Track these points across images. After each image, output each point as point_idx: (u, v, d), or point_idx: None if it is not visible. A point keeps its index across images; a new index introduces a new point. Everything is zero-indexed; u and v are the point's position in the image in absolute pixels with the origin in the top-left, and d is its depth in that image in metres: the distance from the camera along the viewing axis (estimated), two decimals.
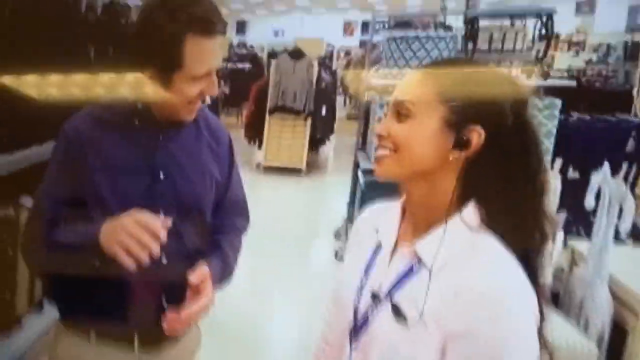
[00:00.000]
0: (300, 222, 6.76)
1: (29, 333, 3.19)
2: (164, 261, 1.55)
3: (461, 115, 1.10)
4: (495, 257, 1.08)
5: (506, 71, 1.23)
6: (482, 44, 4.85)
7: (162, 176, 1.59)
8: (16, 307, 3.14)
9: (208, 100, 1.63)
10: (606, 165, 2.76)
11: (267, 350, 3.89)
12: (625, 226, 2.63)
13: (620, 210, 2.66)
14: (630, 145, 3.59)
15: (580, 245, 3.00)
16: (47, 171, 1.63)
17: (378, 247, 1.25)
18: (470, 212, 1.12)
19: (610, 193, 2.69)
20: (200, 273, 1.50)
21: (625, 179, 3.29)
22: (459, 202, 1.13)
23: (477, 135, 1.10)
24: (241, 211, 1.85)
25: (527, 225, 1.12)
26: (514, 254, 1.09)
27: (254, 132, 9.07)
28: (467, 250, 1.10)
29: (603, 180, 2.73)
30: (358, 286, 1.24)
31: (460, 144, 1.10)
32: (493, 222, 1.11)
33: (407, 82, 1.17)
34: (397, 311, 1.13)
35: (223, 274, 1.67)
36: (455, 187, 1.13)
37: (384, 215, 1.29)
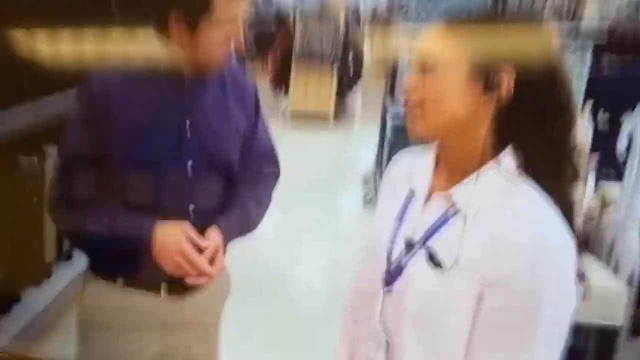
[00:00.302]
0: (328, 168, 6.85)
1: (58, 282, 3.32)
2: (192, 207, 1.61)
3: (488, 62, 1.09)
4: (533, 204, 1.08)
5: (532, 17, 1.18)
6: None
7: (189, 130, 1.59)
8: (45, 256, 3.24)
9: (233, 46, 1.60)
10: (638, 108, 2.78)
11: (296, 297, 3.98)
12: None
13: None
14: None
15: (611, 188, 3.04)
16: (70, 126, 1.62)
17: (411, 194, 1.24)
18: (507, 157, 1.11)
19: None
20: (214, 240, 1.55)
21: None
22: (494, 149, 1.12)
23: (506, 78, 1.08)
24: (269, 159, 1.85)
25: (562, 167, 1.11)
26: (550, 197, 1.09)
27: (280, 79, 9.10)
28: (504, 197, 1.09)
29: (635, 123, 2.76)
30: (391, 233, 1.24)
31: (491, 87, 1.08)
32: (529, 166, 1.10)
33: (431, 34, 1.15)
34: (432, 258, 1.13)
35: (242, 228, 1.70)
36: (490, 134, 1.11)
37: (417, 162, 1.27)
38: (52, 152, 3.10)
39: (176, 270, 1.51)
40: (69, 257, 3.51)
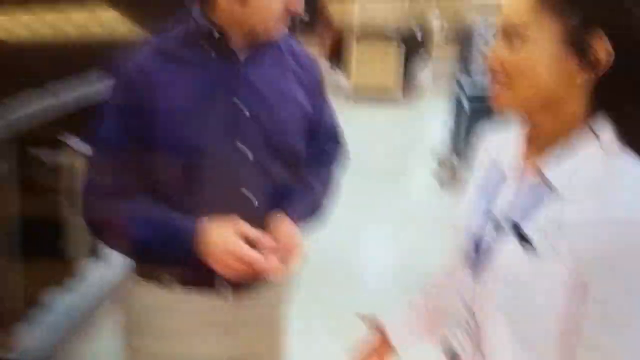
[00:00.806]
0: (400, 150, 6.83)
1: (91, 283, 3.13)
2: (255, 203, 1.49)
3: (583, 30, 1.01)
4: (635, 178, 1.01)
5: None
6: None
7: (246, 113, 1.46)
8: (74, 256, 3.06)
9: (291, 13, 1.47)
10: None
11: (367, 284, 3.94)
12: None
13: None
14: None
15: None
16: (105, 119, 1.46)
17: (500, 175, 1.20)
18: (605, 130, 1.04)
19: None
20: (284, 230, 1.45)
21: None
22: (587, 118, 1.06)
23: (605, 52, 1.00)
24: (334, 139, 1.75)
25: None
26: None
27: (338, 58, 8.98)
28: (605, 173, 1.02)
29: None
30: (481, 215, 1.20)
31: (588, 64, 1.01)
32: (631, 136, 1.04)
33: (513, 2, 1.07)
34: (524, 240, 1.08)
35: (311, 214, 1.61)
36: (585, 106, 1.05)
37: (505, 140, 1.23)
38: (70, 143, 2.93)
39: (233, 274, 1.39)
40: (97, 255, 3.28)
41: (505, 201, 1.16)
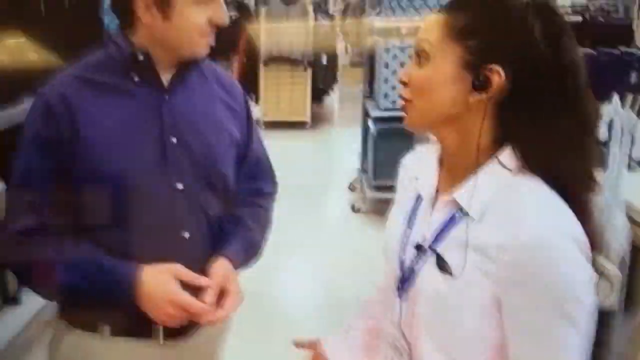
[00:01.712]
0: (311, 176, 6.90)
1: (5, 331, 2.97)
2: (186, 236, 1.47)
3: (478, 55, 1.10)
4: (539, 201, 1.09)
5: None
6: None
7: (173, 141, 1.45)
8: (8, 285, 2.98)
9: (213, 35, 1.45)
10: (616, 97, 3.05)
11: (285, 308, 4.05)
12: (638, 153, 2.94)
13: (632, 140, 2.96)
14: (634, 77, 3.86)
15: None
16: (24, 152, 1.42)
17: (419, 197, 1.27)
18: (507, 155, 1.12)
19: (622, 123, 3.00)
20: (222, 273, 1.45)
21: (632, 109, 3.58)
22: (496, 146, 1.13)
23: (497, 75, 1.09)
24: (267, 173, 1.74)
25: (574, 164, 1.11)
26: (563, 194, 1.10)
27: (248, 86, 9.02)
28: (508, 196, 1.10)
29: (614, 111, 3.03)
30: (402, 237, 1.26)
31: (480, 85, 1.10)
32: (534, 164, 1.11)
33: (427, 23, 1.17)
34: (441, 262, 1.15)
35: (249, 255, 1.60)
36: (487, 131, 1.13)
37: (422, 163, 1.30)
38: None
39: (172, 322, 1.39)
40: (15, 301, 3.13)
41: (423, 223, 1.23)
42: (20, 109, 2.72)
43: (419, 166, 1.31)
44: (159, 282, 1.37)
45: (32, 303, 3.10)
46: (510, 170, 1.12)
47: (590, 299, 1.08)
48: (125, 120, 1.42)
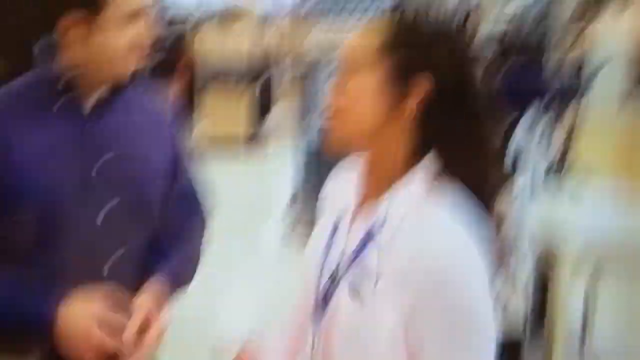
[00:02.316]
0: (247, 203, 6.80)
1: None
2: (105, 271, 1.43)
3: (404, 67, 1.11)
4: (446, 229, 1.08)
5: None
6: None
7: (95, 169, 1.40)
8: None
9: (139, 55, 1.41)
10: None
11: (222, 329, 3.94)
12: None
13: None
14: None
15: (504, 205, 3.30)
16: None
17: (338, 220, 1.24)
18: (423, 167, 1.12)
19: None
20: (144, 309, 1.39)
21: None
22: (415, 159, 1.13)
23: (421, 86, 1.09)
24: (196, 203, 1.66)
25: (488, 168, 1.14)
26: (477, 198, 1.11)
27: (187, 106, 9.04)
28: (418, 219, 1.10)
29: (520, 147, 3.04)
30: (319, 264, 1.23)
31: (404, 95, 1.10)
32: (452, 170, 1.11)
33: (353, 38, 1.17)
34: (353, 291, 1.12)
35: (173, 289, 1.52)
36: (408, 144, 1.13)
37: (344, 191, 1.27)
38: None
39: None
40: None
41: (338, 249, 1.19)
42: None
43: (340, 192, 1.28)
44: (77, 322, 1.32)
45: None
46: (422, 184, 1.11)
47: (492, 329, 1.07)
48: (49, 147, 1.38)
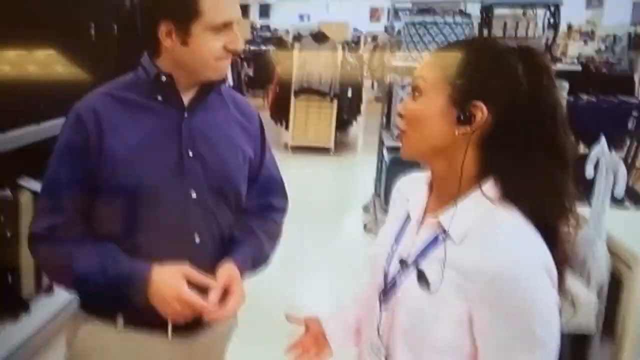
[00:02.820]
0: (331, 197, 7.08)
1: (38, 317, 3.09)
2: (197, 240, 1.52)
3: (465, 93, 1.13)
4: (514, 232, 1.12)
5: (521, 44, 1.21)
6: (497, 30, 5.27)
7: (190, 154, 1.50)
8: (22, 290, 3.07)
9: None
10: (603, 139, 3.14)
11: (273, 325, 3.78)
12: (619, 190, 3.02)
13: (614, 179, 3.05)
14: (631, 123, 3.95)
15: (582, 210, 3.35)
16: (55, 159, 1.49)
17: (408, 217, 1.30)
18: (490, 186, 1.15)
19: (607, 163, 3.09)
20: (227, 275, 1.46)
21: (628, 151, 3.67)
22: (480, 176, 1.16)
23: (480, 112, 1.12)
24: (277, 189, 1.76)
25: (549, 198, 1.13)
26: (538, 224, 1.13)
27: (281, 113, 9.21)
28: (487, 224, 1.13)
29: (601, 152, 3.11)
30: (389, 252, 1.29)
31: (464, 120, 1.14)
32: (513, 195, 1.13)
33: (424, 63, 1.22)
34: (421, 277, 1.18)
35: (256, 262, 1.62)
36: (472, 162, 1.16)
37: (415, 187, 1.32)
38: (26, 185, 3.04)
39: (178, 318, 1.43)
40: (49, 290, 3.29)
41: (409, 240, 1.27)
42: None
43: (411, 189, 1.34)
44: (168, 281, 1.40)
45: (64, 294, 3.20)
46: (490, 199, 1.15)
47: (555, 322, 1.11)
48: (148, 134, 1.48)
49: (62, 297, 3.24)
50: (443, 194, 1.22)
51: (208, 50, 1.44)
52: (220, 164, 1.55)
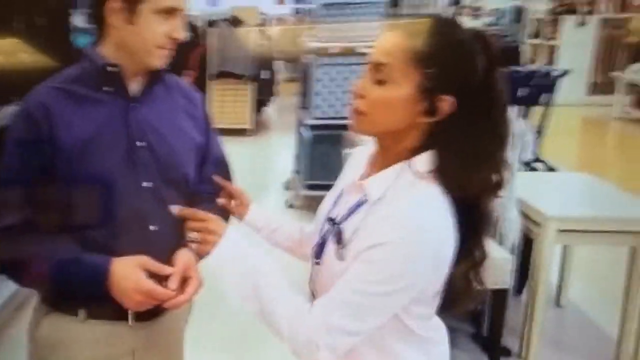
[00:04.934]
0: (252, 176, 6.90)
1: None
2: (152, 229, 1.48)
3: (435, 84, 1.10)
4: (423, 194, 1.12)
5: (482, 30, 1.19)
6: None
7: (139, 144, 1.45)
8: None
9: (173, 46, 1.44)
10: (512, 108, 3.17)
11: (225, 303, 3.86)
12: (526, 155, 3.06)
13: (522, 145, 3.09)
14: (521, 91, 4.05)
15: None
16: (7, 157, 1.43)
17: (344, 187, 1.32)
18: (421, 159, 1.15)
19: (514, 131, 3.11)
20: (184, 262, 1.43)
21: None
22: (418, 152, 1.16)
23: (447, 104, 1.11)
24: (224, 172, 1.71)
25: (482, 176, 1.12)
26: (466, 201, 1.13)
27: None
28: (403, 189, 1.14)
29: (510, 121, 3.15)
30: (326, 214, 1.32)
31: (431, 111, 1.12)
32: (447, 172, 1.12)
33: (386, 43, 1.14)
34: (339, 236, 1.21)
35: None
36: (416, 139, 1.16)
37: (359, 156, 1.33)
38: None
39: (139, 307, 1.40)
40: None
41: (342, 202, 1.29)
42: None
43: (355, 158, 1.35)
44: (128, 273, 1.37)
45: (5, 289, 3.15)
46: (416, 172, 1.14)
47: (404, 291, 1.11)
48: (98, 126, 1.42)
49: (4, 293, 3.18)
50: (382, 163, 1.21)
51: (152, 33, 1.39)
52: (170, 153, 1.51)
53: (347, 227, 1.21)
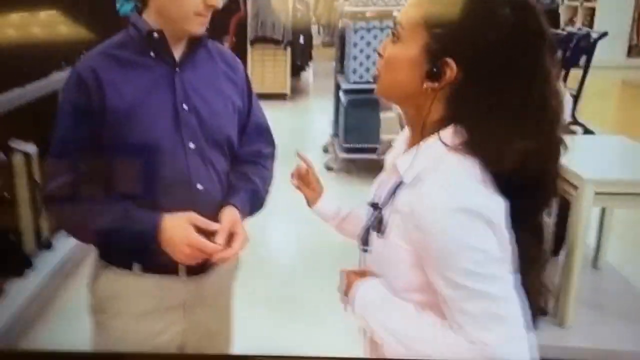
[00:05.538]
0: (290, 140, 6.92)
1: (42, 272, 3.16)
2: (199, 188, 1.52)
3: (440, 45, 1.05)
4: (447, 175, 1.06)
5: None
6: None
7: (185, 107, 1.49)
8: (24, 248, 3.12)
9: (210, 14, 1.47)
10: None
11: (268, 263, 3.94)
12: (565, 117, 2.98)
13: None
14: (559, 54, 3.92)
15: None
16: (61, 119, 1.48)
17: (384, 169, 1.29)
18: (450, 132, 1.08)
19: None
20: (230, 219, 1.47)
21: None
22: (442, 124, 1.10)
23: (449, 69, 1.06)
24: (266, 136, 1.75)
25: (516, 147, 1.03)
26: (502, 176, 1.05)
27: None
28: (436, 169, 1.08)
29: None
30: (372, 197, 1.26)
31: (433, 75, 1.07)
32: (476, 143, 1.06)
33: (407, 6, 1.12)
34: (380, 220, 1.16)
35: (253, 206, 1.62)
36: (437, 110, 1.10)
37: (402, 137, 1.28)
38: (17, 147, 3.01)
39: (189, 261, 1.44)
40: (49, 246, 3.34)
41: (381, 189, 1.23)
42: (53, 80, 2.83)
43: (400, 139, 1.30)
44: (178, 228, 1.41)
45: (64, 248, 3.28)
46: (447, 145, 1.08)
47: (475, 263, 1.03)
48: (144, 90, 1.46)
49: (61, 252, 3.29)
50: (413, 140, 1.17)
51: (189, 4, 1.41)
52: (213, 116, 1.54)
53: (386, 211, 1.17)
